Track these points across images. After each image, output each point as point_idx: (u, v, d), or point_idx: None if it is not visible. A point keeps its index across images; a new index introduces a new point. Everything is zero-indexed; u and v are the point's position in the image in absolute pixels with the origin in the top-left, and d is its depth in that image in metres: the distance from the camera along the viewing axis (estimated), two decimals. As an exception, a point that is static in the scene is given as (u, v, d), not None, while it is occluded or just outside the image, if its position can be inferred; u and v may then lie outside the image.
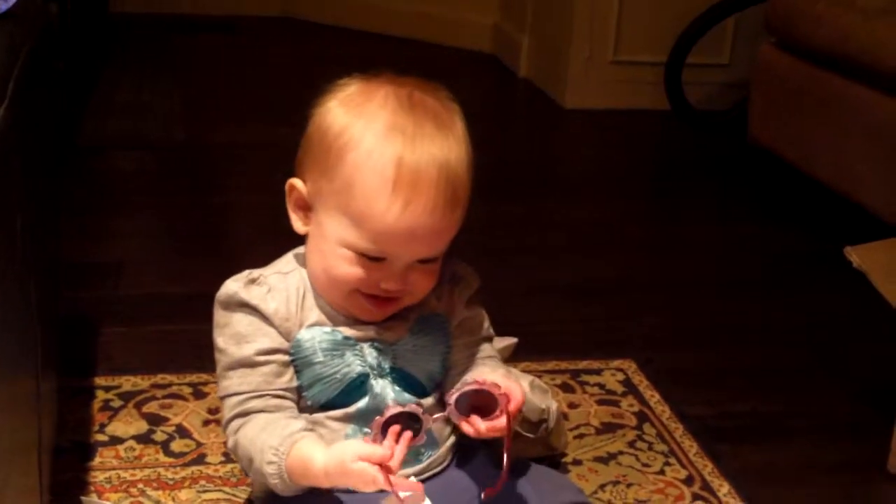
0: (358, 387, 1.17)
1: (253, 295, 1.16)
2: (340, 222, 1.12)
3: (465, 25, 3.75)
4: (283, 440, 1.10)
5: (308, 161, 1.15)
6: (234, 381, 1.16)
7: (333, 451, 1.07)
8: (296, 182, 1.16)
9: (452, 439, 1.23)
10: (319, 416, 1.17)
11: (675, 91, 3.12)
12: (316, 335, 1.16)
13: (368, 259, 1.12)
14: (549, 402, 1.43)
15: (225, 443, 1.45)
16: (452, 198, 1.10)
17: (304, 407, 1.18)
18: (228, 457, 1.44)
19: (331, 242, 1.13)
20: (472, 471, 1.23)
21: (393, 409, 1.08)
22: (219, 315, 1.18)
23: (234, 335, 1.16)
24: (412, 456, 1.18)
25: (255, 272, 1.18)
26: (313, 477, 1.08)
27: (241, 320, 1.16)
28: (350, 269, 1.13)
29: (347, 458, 1.04)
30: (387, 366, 1.18)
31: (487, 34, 3.73)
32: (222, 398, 1.18)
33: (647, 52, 3.23)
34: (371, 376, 1.17)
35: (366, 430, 1.16)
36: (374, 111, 1.11)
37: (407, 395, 1.19)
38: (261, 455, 1.11)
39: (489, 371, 1.20)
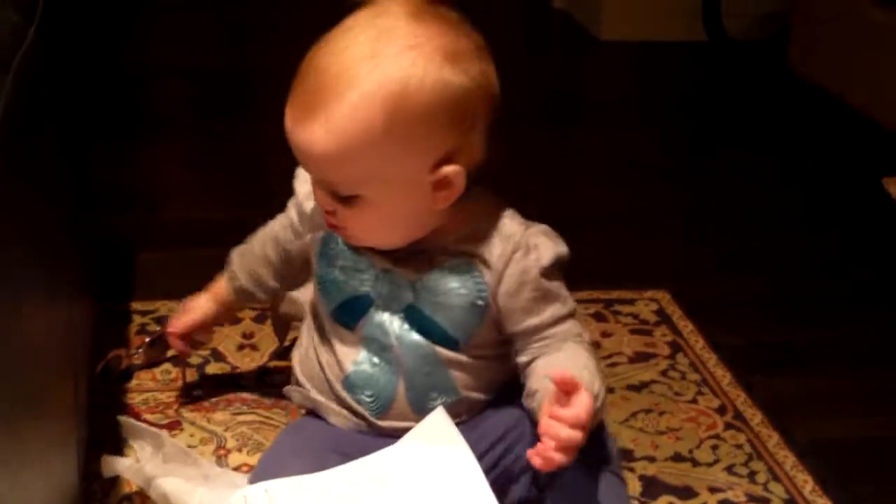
0: (360, 308, 1.17)
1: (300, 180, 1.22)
2: None
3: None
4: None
5: None
6: None
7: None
8: None
9: (485, 397, 1.20)
10: (340, 329, 1.19)
11: (714, 22, 3.08)
12: (345, 243, 1.17)
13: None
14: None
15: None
16: (326, 112, 1.03)
17: (324, 312, 1.20)
18: (262, 380, 1.46)
19: None
20: (500, 415, 1.19)
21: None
22: None
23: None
24: (422, 393, 1.17)
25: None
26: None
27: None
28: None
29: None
30: (403, 301, 1.15)
31: (523, -36, 3.69)
32: None
33: (686, -19, 3.18)
34: (375, 305, 1.16)
35: (374, 359, 1.17)
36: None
37: (415, 336, 1.15)
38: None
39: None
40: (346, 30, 1.06)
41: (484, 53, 1.09)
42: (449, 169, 1.07)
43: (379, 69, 1.02)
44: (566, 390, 1.01)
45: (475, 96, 1.06)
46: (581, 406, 1.00)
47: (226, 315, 1.43)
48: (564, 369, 1.04)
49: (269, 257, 1.33)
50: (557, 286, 1.15)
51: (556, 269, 1.14)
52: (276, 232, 1.31)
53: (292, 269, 1.33)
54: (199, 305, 1.38)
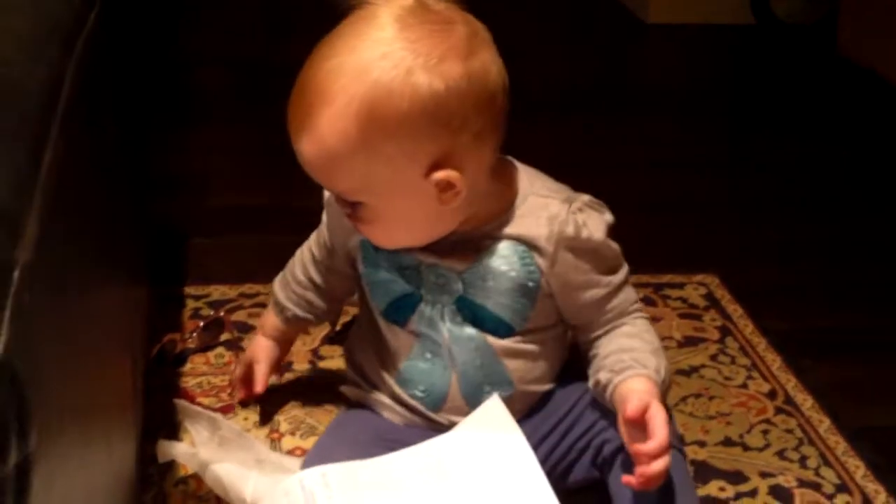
0: (409, 306, 1.17)
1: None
2: None
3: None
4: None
5: None
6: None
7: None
8: None
9: (542, 389, 1.20)
10: (392, 326, 1.19)
11: (762, 4, 3.05)
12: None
13: None
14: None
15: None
16: (308, 126, 1.05)
17: (374, 312, 1.20)
18: (314, 364, 1.47)
19: None
20: (559, 397, 1.21)
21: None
22: None
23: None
24: (475, 386, 1.17)
25: None
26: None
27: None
28: None
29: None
30: (452, 294, 1.14)
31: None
32: None
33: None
34: (424, 301, 1.16)
35: (427, 354, 1.17)
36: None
37: (466, 328, 1.15)
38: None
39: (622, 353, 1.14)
40: (329, 41, 1.06)
41: (477, 49, 1.04)
42: (443, 173, 1.04)
43: (352, 82, 1.01)
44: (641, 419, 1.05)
45: (455, 99, 1.01)
46: (660, 432, 1.03)
47: (288, 347, 1.40)
48: (630, 367, 1.11)
49: (312, 279, 1.30)
50: (611, 255, 1.16)
51: (608, 238, 1.15)
52: (313, 251, 1.29)
53: (337, 284, 1.29)
54: (262, 351, 1.35)
